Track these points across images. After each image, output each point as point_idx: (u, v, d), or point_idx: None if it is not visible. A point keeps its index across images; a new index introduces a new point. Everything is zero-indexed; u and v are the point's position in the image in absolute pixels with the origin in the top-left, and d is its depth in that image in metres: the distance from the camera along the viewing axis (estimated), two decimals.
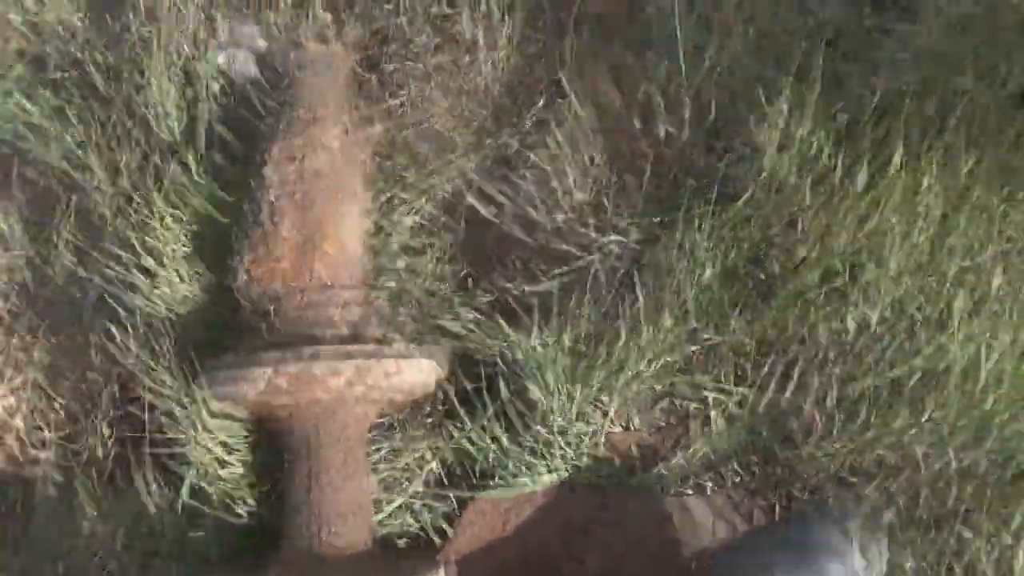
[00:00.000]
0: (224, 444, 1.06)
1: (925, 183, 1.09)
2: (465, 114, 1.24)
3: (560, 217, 1.13)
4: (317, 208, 1.08)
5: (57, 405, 1.18)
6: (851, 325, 1.10)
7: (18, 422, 1.18)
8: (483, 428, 1.12)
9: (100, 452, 1.16)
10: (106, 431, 1.18)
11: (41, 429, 1.18)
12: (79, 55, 1.26)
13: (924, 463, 1.08)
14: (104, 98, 1.23)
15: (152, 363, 1.06)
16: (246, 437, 1.09)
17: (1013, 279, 1.10)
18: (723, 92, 1.17)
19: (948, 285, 1.09)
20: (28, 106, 1.23)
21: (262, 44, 1.26)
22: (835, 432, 1.13)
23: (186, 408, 1.04)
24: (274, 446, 1.06)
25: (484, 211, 1.13)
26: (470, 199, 1.15)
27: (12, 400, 1.20)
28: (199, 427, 1.04)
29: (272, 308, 1.04)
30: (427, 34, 1.27)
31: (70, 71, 1.26)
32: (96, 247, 1.16)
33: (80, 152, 1.21)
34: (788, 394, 1.13)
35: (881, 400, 1.15)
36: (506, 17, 1.24)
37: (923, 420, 1.12)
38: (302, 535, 1.01)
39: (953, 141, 1.10)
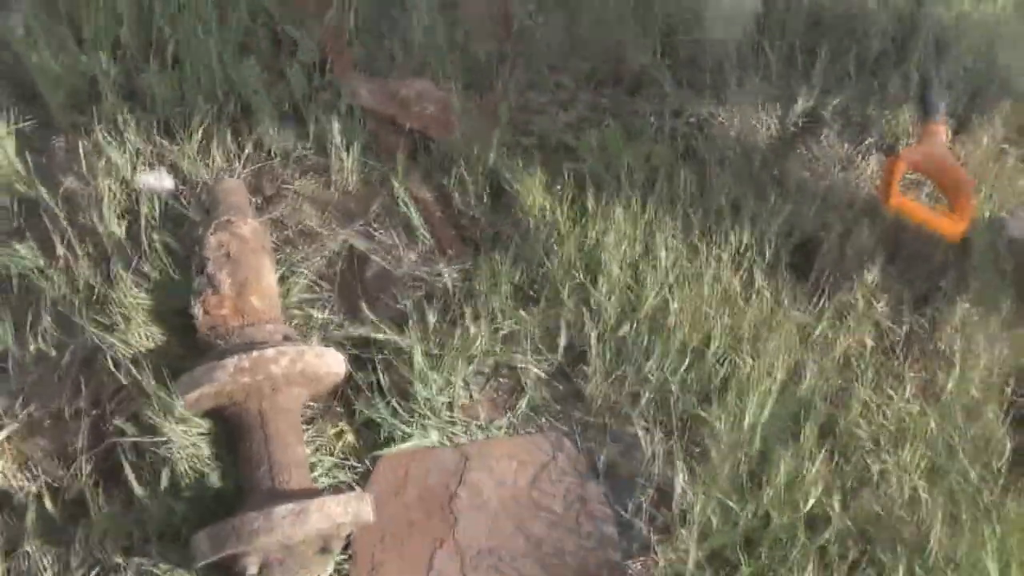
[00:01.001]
0: (194, 432, 1.45)
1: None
2: (327, 213, 1.82)
3: (411, 257, 1.72)
4: (242, 271, 1.56)
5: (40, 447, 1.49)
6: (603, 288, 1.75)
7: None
8: (374, 405, 1.60)
9: (84, 470, 1.48)
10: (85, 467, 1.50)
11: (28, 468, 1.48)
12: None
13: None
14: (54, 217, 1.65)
15: (133, 383, 1.45)
16: (204, 433, 1.49)
17: None
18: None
19: None
20: None
21: (171, 183, 1.77)
22: (605, 376, 1.75)
23: (161, 413, 1.43)
24: (232, 425, 1.47)
25: (364, 248, 1.70)
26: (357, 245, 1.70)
27: None
28: (174, 422, 1.43)
29: (223, 334, 1.49)
30: (292, 168, 1.87)
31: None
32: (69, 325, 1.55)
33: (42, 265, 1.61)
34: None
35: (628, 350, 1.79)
36: (348, 151, 1.86)
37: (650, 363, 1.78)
38: (261, 484, 1.41)
39: None
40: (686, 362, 1.75)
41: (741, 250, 1.89)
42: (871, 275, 1.91)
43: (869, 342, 1.86)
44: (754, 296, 1.84)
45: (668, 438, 1.73)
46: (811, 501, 1.65)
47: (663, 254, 1.77)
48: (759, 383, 1.73)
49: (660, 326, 1.77)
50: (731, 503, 1.64)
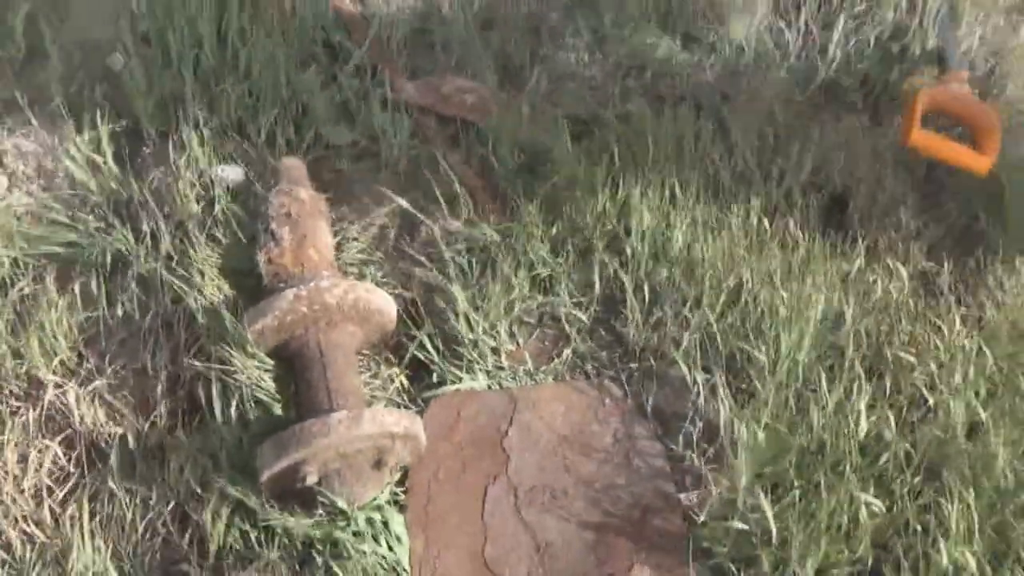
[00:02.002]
0: (261, 368, 1.56)
1: None
2: (378, 190, 1.97)
3: (455, 223, 1.84)
4: (300, 228, 1.71)
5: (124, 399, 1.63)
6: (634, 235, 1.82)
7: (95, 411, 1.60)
8: (425, 349, 1.68)
9: (163, 417, 1.59)
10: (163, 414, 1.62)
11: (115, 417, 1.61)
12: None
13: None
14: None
15: (207, 327, 1.58)
16: (268, 370, 1.59)
17: None
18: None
19: None
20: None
21: (241, 173, 1.95)
22: (644, 320, 1.79)
23: (232, 347, 1.55)
24: (293, 359, 1.57)
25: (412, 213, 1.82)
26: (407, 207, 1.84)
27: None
28: (244, 356, 1.54)
29: (284, 280, 1.62)
30: (346, 157, 2.04)
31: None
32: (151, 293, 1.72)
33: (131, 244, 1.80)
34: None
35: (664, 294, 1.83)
36: (396, 137, 2.03)
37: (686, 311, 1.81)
38: (320, 408, 1.49)
39: None
40: (720, 301, 1.77)
41: (771, 201, 1.93)
42: (905, 218, 1.92)
43: (908, 281, 1.85)
44: (788, 240, 1.87)
45: (711, 376, 1.74)
46: (863, 425, 1.62)
47: (691, 202, 1.84)
48: (797, 318, 1.74)
49: (692, 272, 1.81)
50: (780, 428, 1.63)
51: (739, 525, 1.55)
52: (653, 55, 2.20)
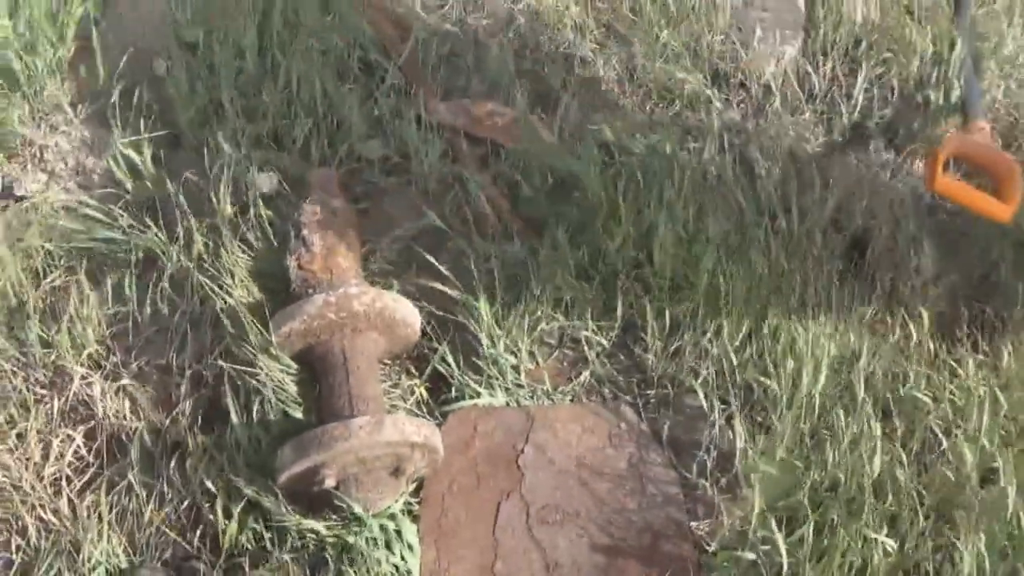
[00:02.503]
0: (284, 371, 1.57)
1: None
2: (408, 206, 2.00)
3: (482, 240, 1.87)
4: (331, 236, 1.73)
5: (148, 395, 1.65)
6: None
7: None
8: (446, 363, 1.70)
9: (185, 413, 1.61)
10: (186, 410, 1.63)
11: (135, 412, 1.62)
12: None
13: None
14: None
15: (234, 328, 1.60)
16: (292, 375, 1.61)
17: None
18: None
19: None
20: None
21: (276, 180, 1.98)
22: (663, 348, 1.80)
23: (257, 349, 1.56)
24: (316, 363, 1.58)
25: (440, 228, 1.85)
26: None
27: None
28: (268, 358, 1.55)
29: (313, 286, 1.64)
30: (378, 171, 2.07)
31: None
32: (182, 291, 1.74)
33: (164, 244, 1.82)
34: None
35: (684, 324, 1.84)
36: (427, 155, 2.06)
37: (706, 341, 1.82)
38: (341, 413, 1.50)
39: None
40: (741, 333, 1.78)
41: (793, 238, 1.95)
42: (924, 262, 1.93)
43: (926, 325, 1.85)
44: (808, 277, 1.89)
45: (728, 406, 1.75)
46: (877, 464, 1.62)
47: (714, 235, 1.86)
48: (813, 353, 1.75)
49: (713, 303, 1.82)
50: (796, 462, 1.63)
51: (750, 556, 1.54)
52: (682, 90, 2.24)
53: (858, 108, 2.22)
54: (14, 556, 1.50)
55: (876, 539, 1.51)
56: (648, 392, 1.80)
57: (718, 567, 1.55)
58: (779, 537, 1.51)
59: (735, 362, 1.77)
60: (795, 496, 1.60)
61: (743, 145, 2.12)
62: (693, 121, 2.20)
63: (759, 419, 1.74)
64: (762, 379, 1.74)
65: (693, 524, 1.63)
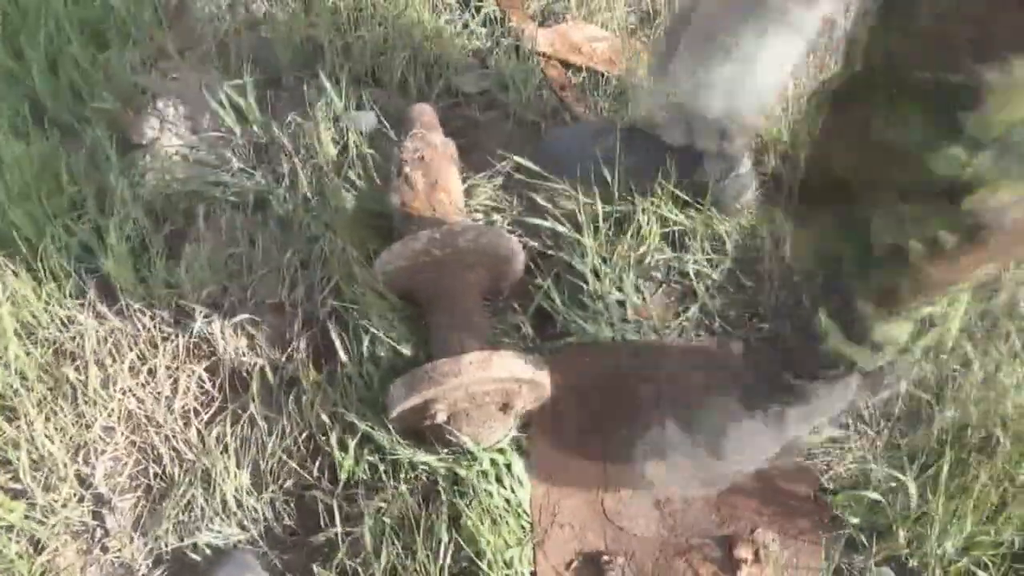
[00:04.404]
0: (391, 308, 1.57)
1: None
2: (507, 139, 1.93)
3: None
4: (432, 172, 1.69)
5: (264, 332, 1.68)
6: None
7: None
8: (551, 298, 1.65)
9: (299, 350, 1.64)
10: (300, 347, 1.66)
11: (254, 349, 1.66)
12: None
13: None
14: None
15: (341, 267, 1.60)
16: (398, 311, 1.60)
17: None
18: None
19: None
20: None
21: (375, 119, 1.94)
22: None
23: (364, 288, 1.56)
24: (423, 301, 1.56)
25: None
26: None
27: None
28: (375, 296, 1.55)
29: (416, 223, 1.61)
30: (476, 105, 2.01)
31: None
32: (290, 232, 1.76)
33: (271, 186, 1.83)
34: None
35: None
36: (525, 87, 1.97)
37: None
38: (450, 350, 1.48)
39: None
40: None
41: None
42: None
43: None
44: None
45: None
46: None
47: None
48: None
49: None
50: (923, 395, 1.51)
51: (873, 495, 1.45)
52: None
53: None
54: (152, 483, 1.59)
55: (1016, 476, 1.39)
56: (760, 327, 1.70)
57: (839, 506, 1.47)
58: (906, 477, 1.41)
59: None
60: (922, 432, 1.49)
61: None
62: None
63: None
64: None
65: (812, 462, 1.55)
